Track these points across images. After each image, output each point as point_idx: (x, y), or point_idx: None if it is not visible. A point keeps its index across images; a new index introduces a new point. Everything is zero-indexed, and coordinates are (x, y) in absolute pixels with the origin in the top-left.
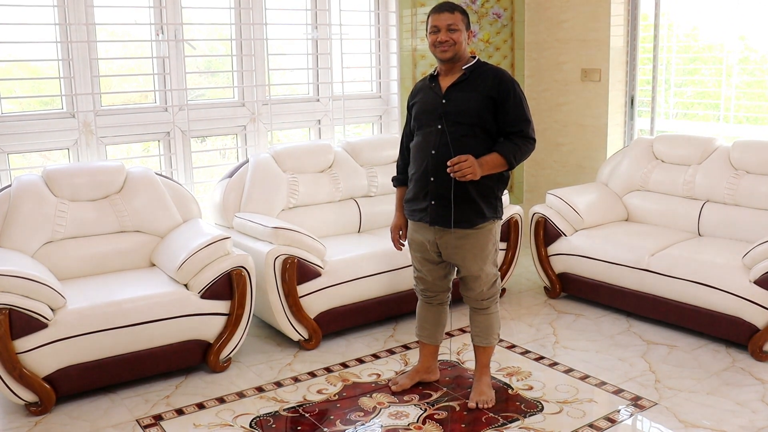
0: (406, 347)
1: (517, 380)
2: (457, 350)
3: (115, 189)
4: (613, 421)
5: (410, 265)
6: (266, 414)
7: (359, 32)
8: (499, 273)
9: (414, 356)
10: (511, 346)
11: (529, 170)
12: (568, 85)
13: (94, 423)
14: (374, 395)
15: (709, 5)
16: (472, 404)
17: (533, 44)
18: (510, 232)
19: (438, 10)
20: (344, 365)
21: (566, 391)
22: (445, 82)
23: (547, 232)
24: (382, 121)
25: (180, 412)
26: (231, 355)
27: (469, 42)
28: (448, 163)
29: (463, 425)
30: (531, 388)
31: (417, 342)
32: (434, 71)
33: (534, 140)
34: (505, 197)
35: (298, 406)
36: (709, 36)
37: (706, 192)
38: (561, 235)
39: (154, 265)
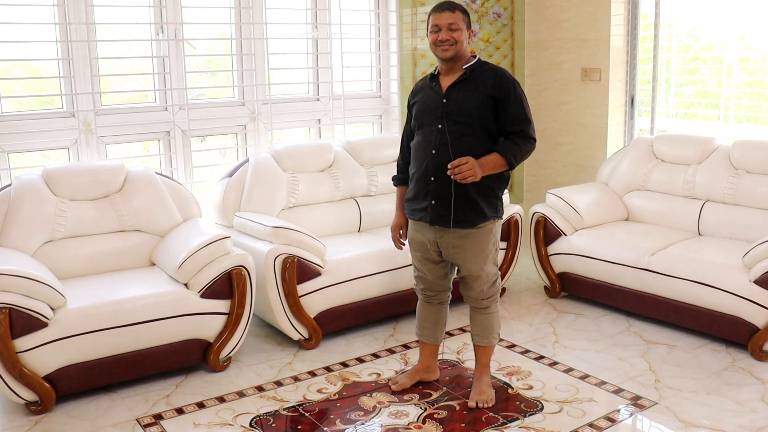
0: (406, 347)
1: (517, 380)
2: (457, 350)
3: (115, 188)
4: (613, 421)
5: (410, 265)
6: (266, 413)
7: (359, 31)
8: (500, 272)
9: (414, 356)
10: (511, 346)
11: (529, 170)
12: (568, 84)
13: (94, 422)
14: (374, 394)
15: (709, 5)
16: (472, 404)
17: (533, 44)
18: (510, 231)
19: (439, 9)
20: (344, 364)
21: (566, 391)
22: (446, 82)
23: (547, 232)
24: (382, 121)
25: (180, 411)
26: (231, 354)
27: (469, 41)
28: (449, 166)
29: (463, 425)
30: (531, 387)
31: (417, 341)
32: (435, 70)
33: (534, 140)
34: (506, 197)
35: (298, 405)
36: (709, 36)
37: (706, 191)
38: (561, 235)
39: (154, 264)
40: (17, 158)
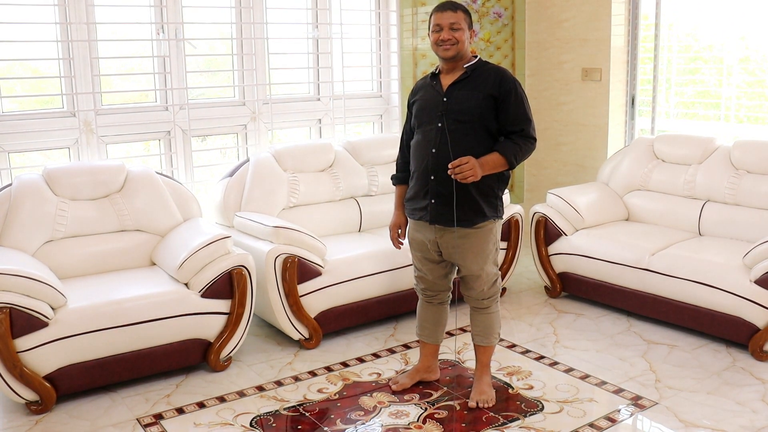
0: (406, 346)
1: (518, 380)
2: (458, 349)
3: (115, 188)
4: (613, 421)
5: (411, 265)
6: (267, 413)
7: (360, 31)
8: (500, 272)
9: (414, 355)
10: (512, 346)
11: (529, 170)
12: (568, 84)
13: (95, 422)
14: (375, 394)
15: (710, 5)
16: (472, 403)
17: (534, 43)
18: (510, 231)
19: (441, 8)
20: (345, 364)
21: (566, 391)
22: (447, 81)
23: (547, 232)
24: (382, 121)
25: (180, 411)
26: (231, 354)
27: (471, 41)
28: (450, 166)
29: (463, 424)
30: (531, 387)
31: (417, 341)
32: (436, 69)
33: (535, 139)
34: (506, 196)
35: (298, 405)
36: (709, 35)
37: (707, 191)
38: (561, 235)
39: (154, 264)
40: (18, 158)
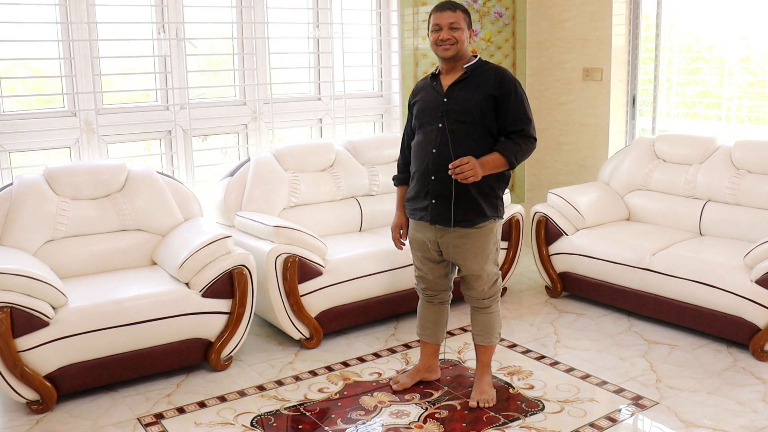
0: (407, 346)
1: (518, 379)
2: (458, 349)
3: (116, 187)
4: (614, 421)
5: (411, 264)
6: (267, 413)
7: (361, 31)
8: (500, 272)
9: (415, 355)
10: (512, 346)
11: (530, 169)
12: (569, 84)
13: (96, 421)
14: (375, 394)
15: (711, 5)
16: (473, 403)
17: (535, 43)
18: (511, 231)
19: (440, 8)
20: (345, 364)
21: (567, 391)
22: (447, 81)
23: (548, 232)
24: (383, 120)
25: (181, 410)
26: (232, 353)
27: (470, 41)
28: (450, 166)
29: (464, 424)
30: (532, 387)
31: (418, 341)
32: (436, 70)
33: (535, 139)
34: (507, 196)
35: (299, 404)
36: (710, 35)
37: (708, 191)
38: (562, 235)
39: (155, 263)
40: (18, 157)
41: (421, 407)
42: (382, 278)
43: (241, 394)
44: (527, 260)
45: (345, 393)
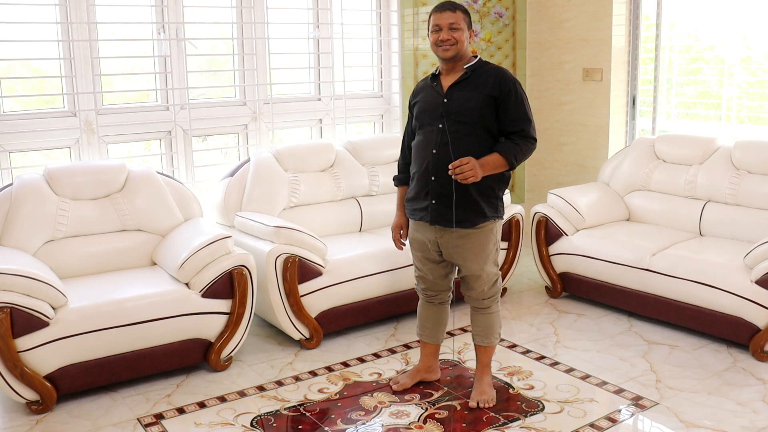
0: (407, 346)
1: (518, 380)
2: (458, 350)
3: (116, 188)
4: (614, 421)
5: (411, 265)
6: (267, 413)
7: (361, 31)
8: (500, 272)
9: (415, 355)
10: (512, 346)
11: (530, 170)
12: (569, 84)
13: (95, 422)
14: (375, 394)
15: (711, 5)
16: (473, 404)
17: (535, 44)
18: (511, 231)
19: (439, 8)
20: (345, 364)
21: (567, 391)
22: (447, 81)
23: (548, 232)
24: (383, 121)
25: (181, 410)
26: (232, 354)
27: (470, 41)
28: (450, 166)
29: (464, 425)
30: (532, 387)
31: (418, 341)
32: (436, 70)
33: (535, 140)
34: (507, 197)
35: (299, 405)
36: (710, 36)
37: (708, 192)
38: (562, 235)
39: (155, 264)
40: (19, 158)
41: (421, 408)
42: (382, 278)
43: (241, 394)
44: (527, 260)
45: (345, 393)
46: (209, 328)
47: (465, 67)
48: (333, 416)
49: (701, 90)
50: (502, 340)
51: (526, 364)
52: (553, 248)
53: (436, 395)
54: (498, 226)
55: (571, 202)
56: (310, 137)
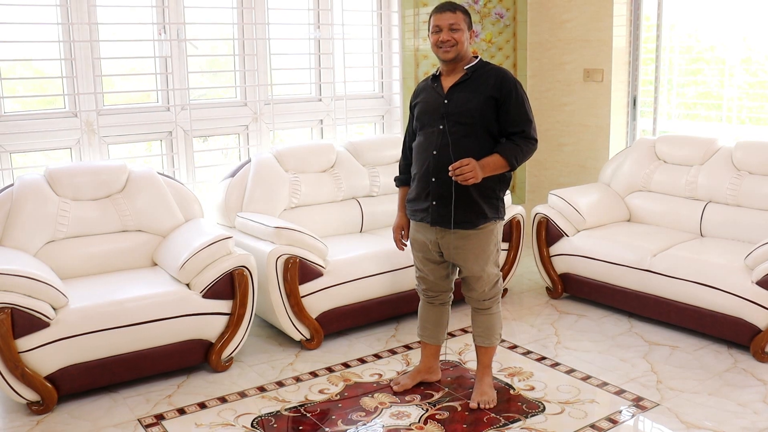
0: (407, 347)
1: (519, 380)
2: (459, 350)
3: (117, 188)
4: (614, 422)
5: (412, 265)
6: (268, 414)
7: (361, 32)
8: (501, 273)
9: (416, 356)
10: (513, 347)
11: (531, 170)
12: (570, 85)
13: (96, 422)
14: (376, 395)
15: (712, 6)
16: (473, 404)
17: (536, 44)
18: (512, 232)
19: (439, 9)
20: (346, 365)
21: (568, 392)
22: (447, 82)
23: (549, 233)
24: (384, 121)
25: (182, 411)
26: (233, 354)
27: (471, 42)
28: (450, 168)
29: (464, 425)
30: (533, 388)
31: (419, 342)
32: (436, 71)
33: (536, 140)
34: (507, 197)
35: (299, 405)
36: (711, 36)
37: (709, 192)
38: (563, 236)
39: (156, 264)
40: (20, 158)
41: (422, 408)
42: (383, 279)
43: (242, 395)
44: (528, 261)
45: (345, 394)
46: (210, 328)
47: (465, 67)
48: (333, 417)
49: (702, 91)
50: (503, 340)
51: (526, 365)
52: (554, 249)
53: (436, 396)
54: (499, 227)
55: (572, 203)
56: (310, 138)
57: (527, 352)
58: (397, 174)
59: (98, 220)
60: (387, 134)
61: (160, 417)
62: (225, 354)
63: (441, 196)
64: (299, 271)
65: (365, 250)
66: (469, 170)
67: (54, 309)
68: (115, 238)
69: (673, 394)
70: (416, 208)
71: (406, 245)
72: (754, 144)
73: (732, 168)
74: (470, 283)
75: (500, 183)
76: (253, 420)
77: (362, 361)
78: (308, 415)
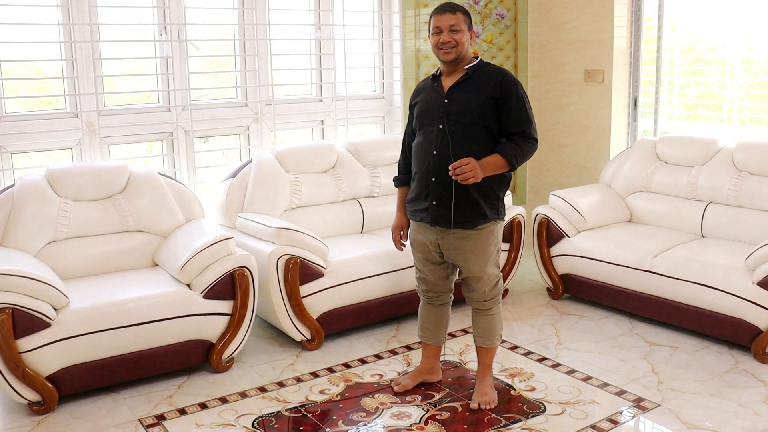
0: (408, 348)
1: (520, 381)
2: (460, 351)
3: (118, 189)
4: (615, 423)
5: (412, 266)
6: (269, 414)
7: (362, 33)
8: (502, 274)
9: (416, 357)
10: (514, 347)
11: (532, 171)
12: (571, 86)
13: (97, 422)
14: (376, 396)
15: (713, 7)
16: (474, 405)
17: (536, 45)
18: (513, 232)
19: (440, 10)
20: (347, 365)
21: (569, 392)
22: (448, 82)
23: (549, 233)
24: (385, 122)
25: (182, 411)
26: (233, 355)
27: (471, 42)
28: (450, 167)
29: (465, 426)
30: (533, 389)
31: (419, 343)
32: (437, 71)
33: (536, 141)
34: (508, 198)
35: (300, 406)
36: (712, 37)
37: (710, 193)
38: (564, 236)
39: (156, 265)
40: (20, 159)
41: (423, 409)
42: (384, 280)
43: (243, 395)
44: (528, 262)
45: (346, 394)
46: (211, 329)
47: (466, 67)
48: (334, 417)
49: (703, 91)
50: (504, 341)
51: (527, 366)
52: (555, 250)
53: (437, 396)
54: (499, 228)
55: (573, 204)
56: (311, 138)
57: (528, 353)
58: (397, 174)
59: (99, 221)
60: (388, 135)
61: (160, 417)
62: (226, 354)
63: (441, 196)
64: (300, 272)
65: (366, 250)
66: (469, 170)
67: (55, 309)
68: (116, 238)
69: (674, 394)
70: (416, 209)
71: (405, 246)
72: (755, 145)
73: (733, 169)
74: (470, 283)
75: (500, 183)
76: (254, 420)
77: (363, 361)
78: (309, 415)
